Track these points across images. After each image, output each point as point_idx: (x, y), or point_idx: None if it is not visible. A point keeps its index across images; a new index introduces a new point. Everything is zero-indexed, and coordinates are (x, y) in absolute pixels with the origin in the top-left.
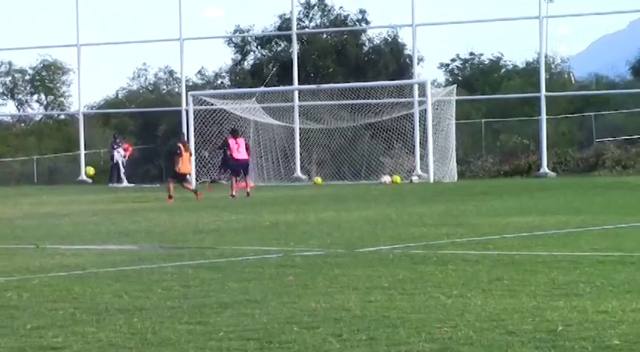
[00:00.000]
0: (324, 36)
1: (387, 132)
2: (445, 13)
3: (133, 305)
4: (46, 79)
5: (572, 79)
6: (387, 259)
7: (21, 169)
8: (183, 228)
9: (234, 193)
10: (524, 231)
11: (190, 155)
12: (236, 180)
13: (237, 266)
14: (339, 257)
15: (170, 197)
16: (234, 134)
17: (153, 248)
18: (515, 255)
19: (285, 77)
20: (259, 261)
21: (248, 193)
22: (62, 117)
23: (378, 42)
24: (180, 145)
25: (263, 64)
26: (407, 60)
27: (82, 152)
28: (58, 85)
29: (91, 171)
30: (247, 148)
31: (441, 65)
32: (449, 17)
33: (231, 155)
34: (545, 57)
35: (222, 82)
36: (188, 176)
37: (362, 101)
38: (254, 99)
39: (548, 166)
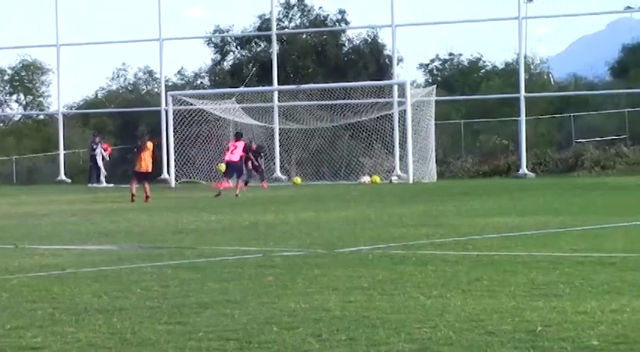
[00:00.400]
0: (304, 36)
1: (366, 133)
2: (425, 13)
3: (112, 305)
4: (25, 78)
5: (552, 79)
6: (366, 259)
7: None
8: (162, 228)
9: (237, 193)
10: (503, 231)
11: (152, 153)
12: (227, 181)
13: (216, 266)
14: (318, 257)
15: (133, 196)
16: (236, 137)
17: (132, 248)
18: (494, 255)
19: (264, 77)
20: (239, 261)
21: (220, 193)
22: (41, 117)
23: (358, 42)
24: (140, 143)
25: (243, 64)
26: (386, 60)
27: (62, 152)
28: (37, 84)
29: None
30: (246, 150)
31: (421, 66)
32: (428, 18)
33: (225, 156)
34: (525, 57)
35: (201, 82)
36: (150, 175)
37: (341, 101)
38: (233, 99)
39: (527, 167)
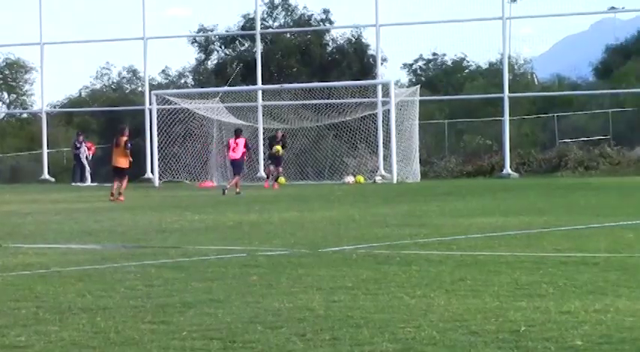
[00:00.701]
0: (288, 36)
1: (350, 133)
2: (409, 13)
3: (96, 304)
4: (9, 77)
5: (536, 80)
6: (350, 259)
7: None
8: (146, 227)
9: (238, 190)
10: (487, 231)
11: (124, 149)
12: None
13: (200, 265)
14: (302, 257)
15: (111, 195)
16: (236, 134)
17: (116, 247)
18: (478, 255)
19: (248, 77)
20: (223, 260)
21: (225, 190)
22: (25, 115)
23: (342, 42)
24: (115, 139)
25: (227, 63)
26: (370, 60)
27: (45, 151)
28: (20, 83)
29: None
30: (247, 147)
31: (405, 66)
32: (412, 18)
33: (228, 154)
34: (509, 58)
35: (185, 82)
36: (124, 172)
37: (325, 101)
38: (217, 98)
39: (511, 167)
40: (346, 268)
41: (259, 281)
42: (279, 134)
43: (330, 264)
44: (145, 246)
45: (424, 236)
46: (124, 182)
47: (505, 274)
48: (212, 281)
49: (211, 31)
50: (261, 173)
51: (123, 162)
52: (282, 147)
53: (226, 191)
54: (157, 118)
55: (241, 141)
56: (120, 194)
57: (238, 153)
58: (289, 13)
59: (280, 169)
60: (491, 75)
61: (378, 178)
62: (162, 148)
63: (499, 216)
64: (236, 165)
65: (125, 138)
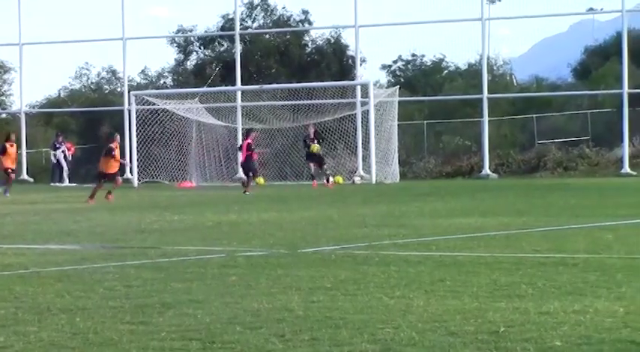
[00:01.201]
0: (267, 36)
1: (329, 133)
2: (388, 14)
3: (75, 304)
4: None
5: (514, 81)
6: (329, 260)
7: None
8: (125, 227)
9: (245, 190)
10: (466, 232)
11: (111, 155)
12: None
13: (179, 266)
14: (281, 257)
15: (91, 197)
16: (246, 134)
17: (95, 248)
18: (457, 256)
19: (227, 77)
20: (202, 261)
21: (247, 191)
22: (3, 116)
23: (321, 43)
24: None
25: (206, 64)
26: (350, 61)
27: (24, 151)
28: None
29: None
30: (248, 148)
31: (384, 66)
32: (392, 18)
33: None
34: (488, 59)
35: (164, 82)
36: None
37: (305, 102)
38: (197, 99)
39: (490, 168)
40: (325, 268)
41: (238, 281)
42: (312, 130)
43: (309, 264)
44: (124, 247)
45: (403, 236)
46: (116, 182)
47: (484, 275)
48: (191, 282)
49: (190, 31)
50: (240, 174)
51: (112, 168)
52: (318, 143)
53: (247, 192)
54: (136, 119)
55: (245, 143)
56: (110, 193)
57: (243, 155)
58: (268, 14)
59: (324, 166)
60: (470, 76)
61: (356, 179)
62: (141, 149)
63: (478, 217)
64: (242, 167)
65: (111, 146)
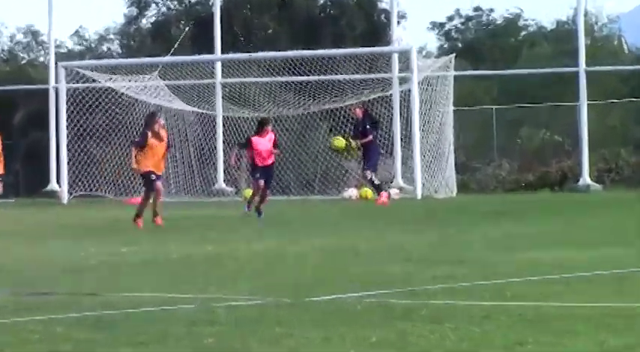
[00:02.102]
0: None
1: (350, 125)
2: None
3: None
4: None
5: (625, 46)
6: (352, 312)
7: None
8: (48, 263)
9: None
10: (556, 271)
11: None
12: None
13: (130, 322)
14: (281, 309)
15: None
16: (261, 124)
17: (3, 295)
18: (543, 306)
19: (202, 41)
20: (163, 314)
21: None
22: None
23: None
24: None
25: (170, 22)
26: (382, 17)
27: None
28: None
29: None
30: (240, 145)
31: (433, 26)
32: None
33: None
34: (586, 14)
35: (109, 49)
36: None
37: (315, 77)
38: (156, 73)
39: (590, 175)
40: (345, 327)
41: (216, 345)
42: (359, 112)
43: (321, 319)
44: (48, 293)
45: (463, 278)
46: None
47: (584, 336)
48: (147, 346)
49: None
50: (221, 184)
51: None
52: (367, 130)
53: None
54: (67, 102)
55: (271, 135)
56: None
57: (268, 156)
58: None
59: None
60: (559, 39)
61: (393, 191)
62: (73, 147)
63: (573, 249)
64: (261, 173)
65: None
